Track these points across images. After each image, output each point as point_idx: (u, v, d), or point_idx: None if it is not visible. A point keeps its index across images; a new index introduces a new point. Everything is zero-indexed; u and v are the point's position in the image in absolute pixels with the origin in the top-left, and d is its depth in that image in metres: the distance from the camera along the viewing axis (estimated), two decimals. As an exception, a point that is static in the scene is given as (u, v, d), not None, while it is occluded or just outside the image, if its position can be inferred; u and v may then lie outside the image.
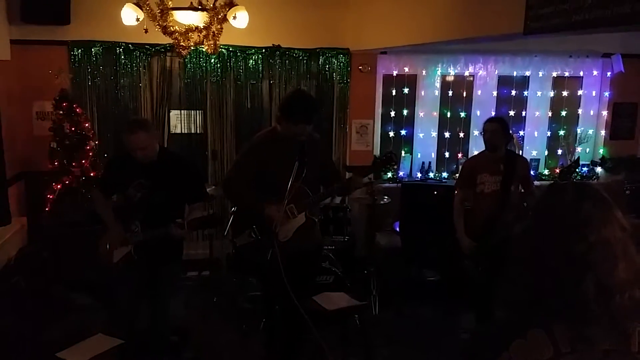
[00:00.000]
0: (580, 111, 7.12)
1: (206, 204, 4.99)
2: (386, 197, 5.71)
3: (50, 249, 5.33)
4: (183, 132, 6.33)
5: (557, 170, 6.94)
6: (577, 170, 6.70)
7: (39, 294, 4.92)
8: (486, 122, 4.64)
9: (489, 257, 4.41)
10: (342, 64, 6.32)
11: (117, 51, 5.88)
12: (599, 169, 7.05)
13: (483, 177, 4.54)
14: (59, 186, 5.39)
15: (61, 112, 5.40)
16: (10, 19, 5.53)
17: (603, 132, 7.10)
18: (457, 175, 5.55)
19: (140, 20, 4.82)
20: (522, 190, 4.64)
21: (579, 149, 7.08)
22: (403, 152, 6.83)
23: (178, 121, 6.30)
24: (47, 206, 5.43)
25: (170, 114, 6.24)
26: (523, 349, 1.37)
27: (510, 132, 4.73)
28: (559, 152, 7.09)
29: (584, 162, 7.05)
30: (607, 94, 7.02)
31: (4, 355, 3.81)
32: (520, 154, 6.83)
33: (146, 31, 4.81)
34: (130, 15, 4.79)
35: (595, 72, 6.98)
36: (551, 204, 1.50)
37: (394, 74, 6.64)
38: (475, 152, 6.88)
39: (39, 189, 5.60)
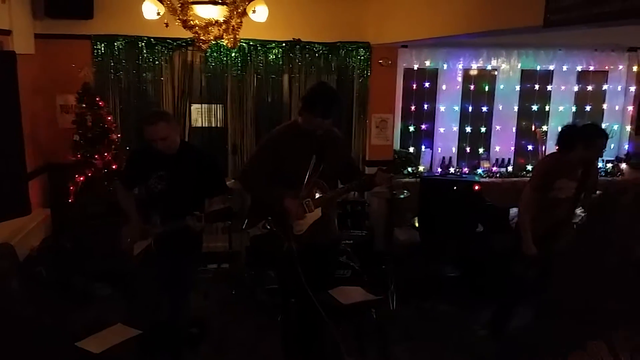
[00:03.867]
0: (605, 106, 7.01)
1: (226, 197, 5.03)
2: (405, 191, 5.68)
3: (73, 240, 5.42)
4: (204, 125, 6.38)
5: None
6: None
7: (60, 284, 5.02)
8: (601, 138, 4.13)
9: (549, 263, 4.29)
10: (362, 58, 6.29)
11: (139, 45, 5.93)
12: (623, 165, 6.92)
13: (562, 182, 4.23)
14: (81, 178, 5.47)
15: (84, 105, 5.47)
16: (35, 14, 5.62)
17: (628, 128, 6.97)
18: (531, 174, 4.96)
19: (161, 14, 4.87)
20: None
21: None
22: (423, 147, 6.79)
23: (199, 115, 6.35)
24: (70, 198, 5.52)
25: (192, 107, 6.29)
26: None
27: None
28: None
29: (608, 158, 6.94)
30: (632, 88, 6.89)
31: (24, 344, 3.88)
32: (544, 149, 6.78)
33: (167, 25, 4.86)
34: (151, 9, 4.84)
35: (620, 67, 6.86)
36: (610, 206, 1.45)
37: (415, 68, 6.60)
38: (498, 148, 6.86)
39: (62, 180, 5.68)
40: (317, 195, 3.69)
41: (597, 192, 4.62)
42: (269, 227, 3.68)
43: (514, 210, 4.71)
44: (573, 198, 4.25)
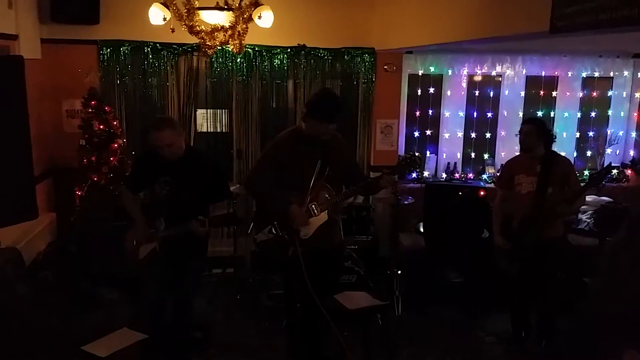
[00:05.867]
0: (610, 112, 6.99)
1: (230, 202, 5.05)
2: (410, 197, 5.68)
3: (79, 244, 5.42)
4: (209, 130, 6.39)
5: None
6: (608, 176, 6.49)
7: (66, 288, 5.02)
8: (522, 123, 4.63)
9: (522, 258, 4.43)
10: (367, 64, 6.31)
11: (145, 50, 5.96)
12: (628, 172, 6.91)
13: (520, 178, 4.51)
14: (87, 183, 5.49)
15: (90, 110, 5.49)
16: (41, 19, 5.64)
17: (634, 134, 6.96)
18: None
19: (167, 19, 4.89)
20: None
21: (608, 151, 6.96)
22: (428, 153, 6.79)
23: (204, 120, 6.36)
24: (76, 202, 5.53)
25: (197, 112, 6.30)
26: None
27: (551, 133, 4.59)
28: (588, 153, 6.98)
29: (614, 164, 6.92)
30: (638, 95, 6.89)
31: (31, 348, 3.89)
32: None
33: (173, 30, 4.88)
34: (157, 15, 4.86)
35: (626, 73, 6.85)
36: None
37: (420, 74, 6.61)
38: (503, 154, 6.87)
39: (68, 185, 5.70)
40: (323, 199, 3.70)
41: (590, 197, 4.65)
42: (275, 232, 3.69)
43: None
44: (536, 194, 4.36)
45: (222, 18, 4.96)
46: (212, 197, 3.92)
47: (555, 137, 4.68)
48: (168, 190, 3.82)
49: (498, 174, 5.09)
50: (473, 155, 6.88)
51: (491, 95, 6.77)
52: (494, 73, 6.74)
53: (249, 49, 6.00)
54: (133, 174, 4.13)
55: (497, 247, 4.62)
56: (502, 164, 6.80)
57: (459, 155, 6.87)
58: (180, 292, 3.98)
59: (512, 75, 6.75)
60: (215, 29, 5.01)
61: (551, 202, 4.32)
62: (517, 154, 6.77)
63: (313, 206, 3.68)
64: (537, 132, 4.43)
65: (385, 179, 3.72)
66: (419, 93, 6.65)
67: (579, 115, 6.93)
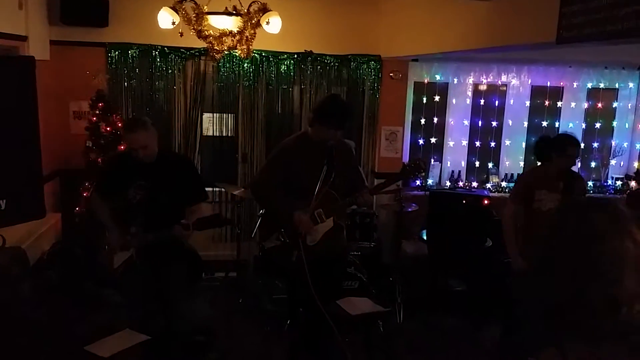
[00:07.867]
0: (615, 123, 7.00)
1: (212, 203, 4.93)
2: (414, 204, 5.69)
3: (83, 245, 5.44)
4: (215, 134, 6.42)
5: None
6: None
7: (70, 289, 5.04)
8: (572, 146, 4.22)
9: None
10: (373, 71, 6.34)
11: (153, 54, 6.00)
12: (632, 183, 6.91)
13: (541, 194, 4.24)
14: (93, 184, 5.50)
15: (97, 112, 5.52)
16: (51, 21, 5.70)
17: (638, 145, 6.97)
18: (512, 188, 5.18)
19: (176, 24, 4.92)
20: None
21: (613, 162, 6.97)
22: (432, 160, 6.81)
23: (210, 124, 6.40)
24: (82, 203, 5.55)
25: (203, 116, 6.34)
26: None
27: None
28: (593, 164, 6.98)
29: (617, 176, 6.94)
30: (643, 106, 6.90)
31: (33, 348, 3.90)
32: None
33: (181, 34, 4.91)
34: (166, 19, 4.89)
35: (631, 84, 6.86)
36: (566, 218, 1.51)
37: (425, 82, 6.63)
38: (507, 163, 6.88)
39: (74, 186, 5.73)
40: (329, 205, 3.71)
41: None
42: (282, 238, 3.69)
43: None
44: None
45: (230, 23, 4.99)
46: (188, 199, 3.76)
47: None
48: (142, 195, 3.66)
49: (513, 188, 4.78)
50: (477, 163, 6.89)
51: (496, 104, 6.79)
52: (499, 82, 6.76)
53: (255, 54, 6.03)
54: (104, 180, 3.93)
55: (515, 269, 4.24)
56: (506, 174, 6.84)
57: (463, 163, 6.89)
58: (165, 299, 3.87)
59: (517, 85, 6.77)
60: (224, 34, 5.03)
61: None
62: (522, 163, 6.91)
63: (319, 212, 3.69)
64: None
65: (361, 198, 3.74)
66: (424, 101, 6.67)
67: (583, 126, 6.94)
